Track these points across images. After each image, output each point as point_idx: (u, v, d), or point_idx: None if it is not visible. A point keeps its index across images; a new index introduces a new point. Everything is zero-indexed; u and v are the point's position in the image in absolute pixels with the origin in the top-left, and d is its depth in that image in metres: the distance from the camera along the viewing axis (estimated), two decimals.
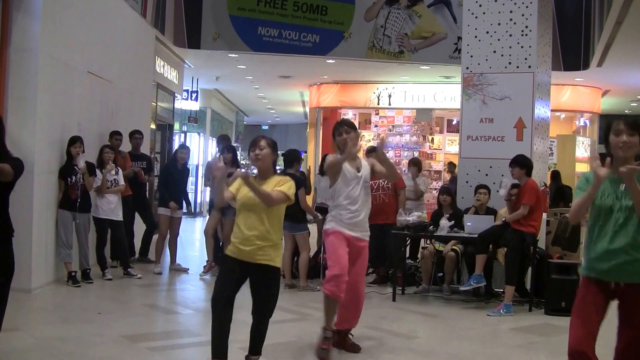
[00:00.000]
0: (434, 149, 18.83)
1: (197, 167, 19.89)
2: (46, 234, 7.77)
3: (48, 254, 7.83)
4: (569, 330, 3.72)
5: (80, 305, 7.18)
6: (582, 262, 3.92)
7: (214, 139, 18.38)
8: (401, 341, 6.14)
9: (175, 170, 9.50)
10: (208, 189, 11.17)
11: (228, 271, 4.67)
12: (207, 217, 9.95)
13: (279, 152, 4.95)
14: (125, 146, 9.74)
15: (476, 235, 7.69)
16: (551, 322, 7.03)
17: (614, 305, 3.72)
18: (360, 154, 5.87)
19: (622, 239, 3.59)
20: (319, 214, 8.94)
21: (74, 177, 7.98)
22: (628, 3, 9.23)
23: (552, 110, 9.84)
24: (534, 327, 6.86)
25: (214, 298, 4.61)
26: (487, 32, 8.75)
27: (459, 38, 11.33)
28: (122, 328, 6.13)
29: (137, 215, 9.96)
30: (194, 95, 17.91)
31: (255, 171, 4.75)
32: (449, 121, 18.67)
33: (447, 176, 14.53)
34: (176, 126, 16.31)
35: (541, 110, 8.86)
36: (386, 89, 17.56)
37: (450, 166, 15.64)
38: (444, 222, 8.03)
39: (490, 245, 7.83)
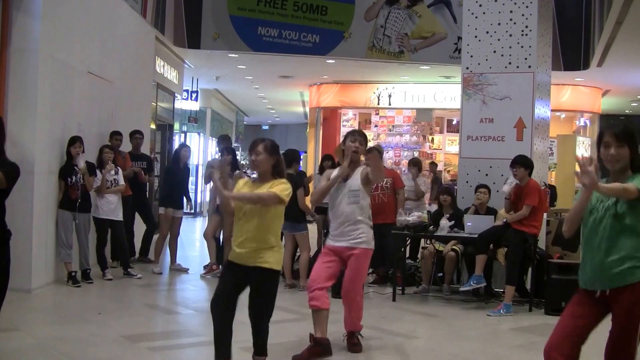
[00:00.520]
0: (434, 149, 18.83)
1: (197, 167, 19.88)
2: (46, 234, 7.77)
3: (48, 254, 7.83)
4: (553, 341, 3.74)
5: (80, 305, 7.18)
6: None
7: (214, 139, 18.40)
8: (401, 341, 6.14)
9: (177, 170, 9.52)
10: (208, 188, 11.16)
11: (228, 275, 4.69)
12: (207, 217, 9.92)
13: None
14: (126, 146, 9.74)
15: (476, 236, 7.69)
16: (551, 322, 6.95)
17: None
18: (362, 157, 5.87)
19: (599, 244, 3.57)
20: (316, 214, 8.96)
21: (74, 177, 7.98)
22: (628, 3, 9.23)
23: (552, 110, 9.84)
24: (534, 327, 6.85)
25: (212, 300, 4.63)
26: (487, 32, 8.75)
27: (459, 38, 11.33)
28: (122, 328, 6.13)
29: (137, 215, 9.97)
30: (194, 95, 17.90)
31: (254, 175, 4.77)
32: (449, 121, 18.67)
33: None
34: (176, 126, 16.31)
35: (541, 110, 8.85)
36: (386, 89, 17.56)
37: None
38: (444, 222, 8.03)
39: (491, 246, 7.83)
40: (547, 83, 9.11)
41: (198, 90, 18.07)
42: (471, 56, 8.86)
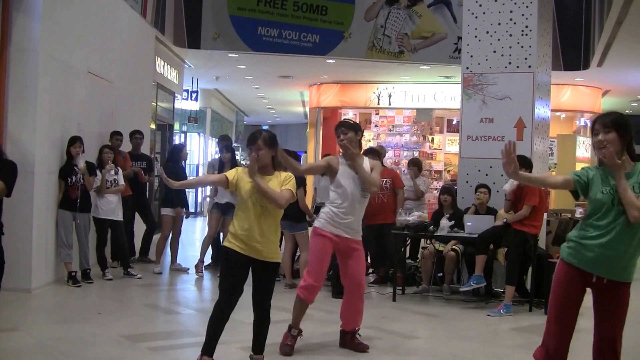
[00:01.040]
0: (434, 149, 18.81)
1: (197, 166, 19.89)
2: (46, 234, 7.77)
3: (48, 254, 7.83)
4: (548, 326, 3.77)
5: (80, 305, 7.18)
6: (566, 244, 3.90)
7: (214, 139, 18.40)
8: (401, 341, 6.14)
9: (179, 169, 9.45)
10: (208, 188, 11.16)
11: (236, 266, 4.65)
12: (207, 217, 9.91)
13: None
14: (126, 146, 9.73)
15: (476, 236, 7.69)
16: None
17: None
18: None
19: (614, 236, 3.60)
20: (315, 215, 8.94)
21: (74, 177, 7.98)
22: (628, 3, 9.23)
23: (552, 110, 9.84)
24: (534, 327, 6.84)
25: (225, 292, 4.61)
26: (487, 32, 8.75)
27: (459, 38, 11.33)
28: (122, 328, 6.12)
29: (137, 215, 9.96)
30: (194, 95, 17.91)
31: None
32: (449, 121, 18.66)
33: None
34: (176, 126, 16.32)
35: (541, 110, 8.85)
36: (386, 89, 17.56)
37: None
38: (444, 222, 8.03)
39: (491, 246, 7.82)
40: (547, 83, 9.11)
41: (198, 90, 18.07)
42: (471, 56, 8.85)
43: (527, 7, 8.58)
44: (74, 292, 7.70)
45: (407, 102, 17.67)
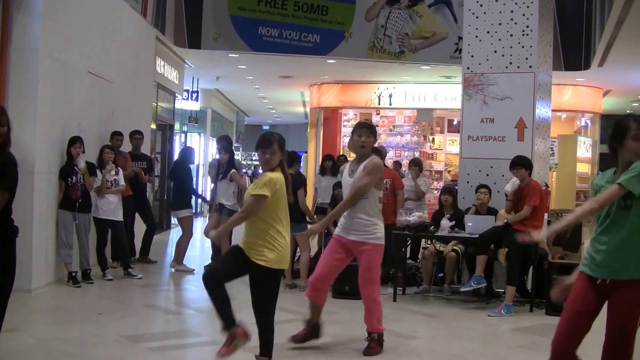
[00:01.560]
0: (435, 149, 18.81)
1: (197, 167, 19.88)
2: (46, 234, 7.76)
3: (48, 255, 7.82)
4: (557, 327, 3.75)
5: (80, 305, 7.17)
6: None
7: (214, 139, 18.39)
8: (402, 341, 6.13)
9: (190, 171, 9.86)
10: (209, 189, 11.20)
11: (231, 253, 4.80)
12: (208, 216, 9.94)
13: None
14: (126, 146, 9.73)
15: (477, 236, 7.68)
16: (552, 323, 6.93)
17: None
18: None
19: (611, 235, 3.59)
20: (315, 217, 8.95)
21: (74, 178, 7.97)
22: (629, 3, 9.22)
23: (553, 110, 9.83)
24: (535, 328, 6.85)
25: (210, 271, 4.81)
26: (488, 32, 8.74)
27: (460, 38, 11.32)
28: (122, 328, 6.12)
29: (137, 216, 9.95)
30: (194, 96, 17.89)
31: (260, 170, 4.80)
32: (450, 121, 18.66)
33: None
34: (176, 126, 16.30)
35: (542, 110, 8.84)
36: (387, 89, 17.55)
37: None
38: (445, 223, 8.02)
39: (492, 246, 7.81)
40: (548, 83, 9.10)
41: (198, 90, 18.06)
42: (472, 56, 8.85)
43: (527, 7, 8.57)
44: (74, 293, 7.70)
45: (408, 102, 17.67)
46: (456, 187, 9.17)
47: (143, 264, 9.67)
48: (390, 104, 17.78)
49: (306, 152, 19.58)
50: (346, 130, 18.86)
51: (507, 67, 8.64)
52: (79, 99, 8.56)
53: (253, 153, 32.04)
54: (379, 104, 17.78)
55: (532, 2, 8.56)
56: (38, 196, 7.46)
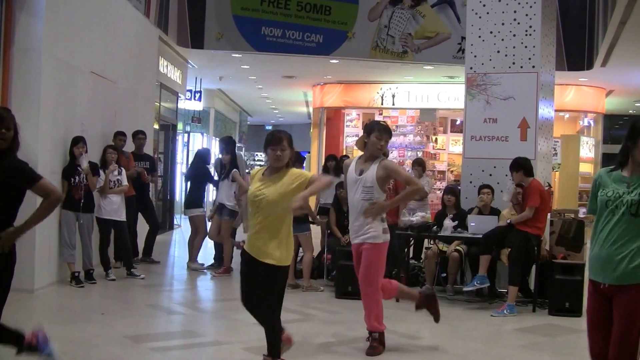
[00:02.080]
0: (438, 149, 18.79)
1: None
2: (49, 234, 7.77)
3: (51, 255, 7.83)
4: (587, 336, 3.76)
5: (83, 305, 7.19)
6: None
7: (217, 139, 18.40)
8: (405, 341, 6.12)
9: (206, 172, 9.97)
10: (211, 189, 11.21)
11: (246, 269, 4.67)
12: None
13: None
14: (129, 146, 9.73)
15: (480, 236, 7.67)
16: (555, 323, 7.00)
17: None
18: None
19: (608, 239, 3.59)
20: (318, 217, 8.95)
21: (77, 178, 7.97)
22: (632, 3, 9.20)
23: (556, 110, 9.82)
24: (537, 328, 6.84)
25: (246, 304, 4.68)
26: (491, 32, 8.73)
27: (463, 38, 11.30)
28: (125, 328, 6.12)
29: (140, 216, 9.96)
30: (197, 96, 17.90)
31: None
32: (453, 121, 18.63)
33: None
34: (179, 126, 16.31)
35: (545, 110, 8.83)
36: (390, 89, 17.54)
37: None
38: (448, 223, 8.01)
39: (494, 246, 7.80)
40: (551, 83, 9.09)
41: (201, 90, 18.07)
42: (475, 56, 8.83)
43: (530, 7, 8.56)
44: (77, 293, 7.71)
45: (411, 102, 17.65)
46: (459, 187, 9.16)
47: (146, 264, 9.68)
48: (393, 104, 17.76)
49: (309, 152, 19.57)
50: (349, 130, 18.87)
51: (510, 67, 8.63)
52: (81, 99, 8.57)
53: (256, 153, 32.08)
54: (382, 104, 17.77)
55: (535, 2, 8.54)
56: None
